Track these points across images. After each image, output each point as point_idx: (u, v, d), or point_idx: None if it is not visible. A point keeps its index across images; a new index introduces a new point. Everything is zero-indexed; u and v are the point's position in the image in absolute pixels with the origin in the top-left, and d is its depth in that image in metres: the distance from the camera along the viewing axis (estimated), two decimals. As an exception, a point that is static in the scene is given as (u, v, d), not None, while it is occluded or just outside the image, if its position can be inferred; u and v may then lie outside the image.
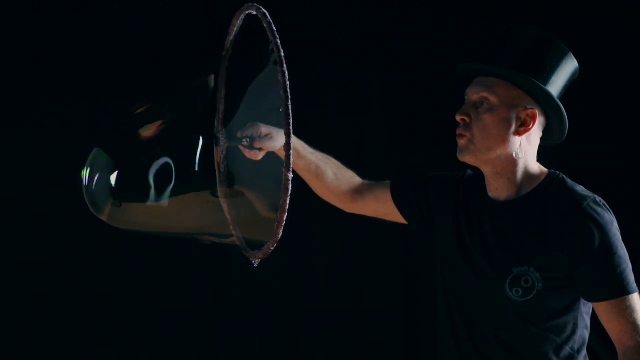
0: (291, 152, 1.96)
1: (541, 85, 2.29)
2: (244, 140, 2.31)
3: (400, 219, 2.63)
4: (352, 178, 2.67)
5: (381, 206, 2.63)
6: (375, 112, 4.01)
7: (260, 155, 2.36)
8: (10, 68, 3.96)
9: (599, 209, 2.27)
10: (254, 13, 2.06)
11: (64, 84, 3.97)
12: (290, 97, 1.94)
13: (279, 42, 1.95)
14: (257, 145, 2.33)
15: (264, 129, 2.35)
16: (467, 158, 2.35)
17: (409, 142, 3.98)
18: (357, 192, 2.66)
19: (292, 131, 1.95)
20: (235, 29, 2.18)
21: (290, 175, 2.00)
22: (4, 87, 3.97)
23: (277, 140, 2.37)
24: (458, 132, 2.35)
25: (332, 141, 2.81)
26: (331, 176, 2.63)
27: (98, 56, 3.95)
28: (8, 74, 3.96)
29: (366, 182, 2.68)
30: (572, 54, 2.35)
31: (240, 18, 2.17)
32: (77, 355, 4.05)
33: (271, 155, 2.38)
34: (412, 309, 4.04)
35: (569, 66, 2.35)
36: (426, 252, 3.85)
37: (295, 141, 2.43)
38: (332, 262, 4.07)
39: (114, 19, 3.96)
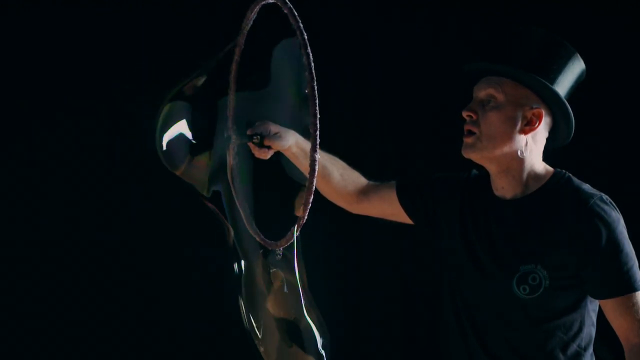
0: (317, 132, 1.93)
1: (548, 84, 2.30)
2: (255, 137, 2.30)
3: (406, 220, 2.62)
4: (357, 178, 2.67)
5: (387, 207, 2.63)
6: (379, 112, 4.01)
7: (269, 154, 2.37)
8: (12, 68, 3.96)
9: (605, 207, 2.27)
10: (272, 1, 2.04)
11: (63, 84, 3.96)
12: (315, 78, 1.93)
13: (301, 25, 1.94)
14: (266, 143, 2.33)
15: (273, 127, 2.35)
16: (472, 155, 2.35)
17: (414, 143, 3.98)
18: (363, 193, 2.66)
19: (318, 112, 1.93)
20: (250, 22, 2.17)
21: (317, 156, 1.98)
22: (4, 87, 3.97)
23: (285, 139, 2.37)
24: (465, 128, 2.35)
25: (336, 142, 2.79)
26: (337, 177, 2.62)
27: (97, 56, 3.95)
28: (8, 74, 3.96)
29: (372, 182, 2.68)
30: (579, 55, 2.36)
31: (255, 11, 2.16)
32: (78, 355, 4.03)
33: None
34: (413, 310, 4.03)
35: (576, 67, 2.36)
36: (427, 252, 3.86)
37: (301, 140, 2.42)
38: (332, 262, 4.06)
39: (114, 19, 3.97)
